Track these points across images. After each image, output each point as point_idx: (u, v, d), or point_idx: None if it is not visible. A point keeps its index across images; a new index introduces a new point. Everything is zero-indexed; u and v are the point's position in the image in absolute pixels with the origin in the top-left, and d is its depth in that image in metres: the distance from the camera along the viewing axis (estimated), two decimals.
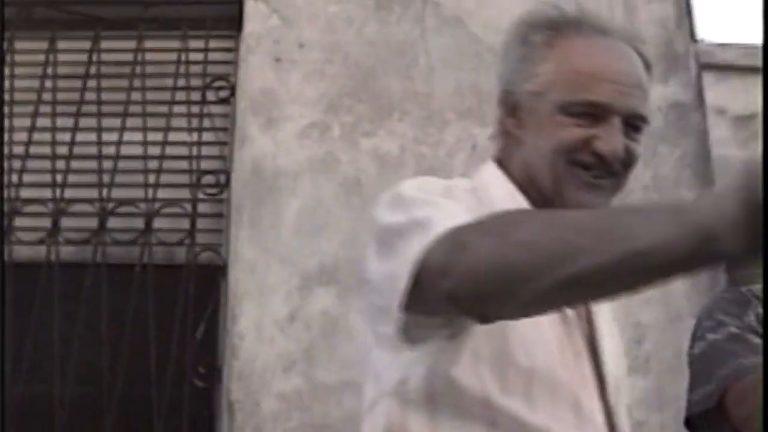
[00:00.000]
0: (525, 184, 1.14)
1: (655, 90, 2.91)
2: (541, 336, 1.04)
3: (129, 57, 3.01)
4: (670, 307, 2.72)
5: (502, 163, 1.18)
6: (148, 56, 3.02)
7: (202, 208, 2.91)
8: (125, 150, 2.95)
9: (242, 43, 3.01)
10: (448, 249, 0.90)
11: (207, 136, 2.98)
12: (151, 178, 2.93)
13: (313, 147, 2.89)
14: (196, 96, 2.99)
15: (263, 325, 2.72)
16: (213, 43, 3.04)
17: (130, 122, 2.98)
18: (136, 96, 2.99)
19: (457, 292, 0.89)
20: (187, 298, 2.77)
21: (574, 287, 0.82)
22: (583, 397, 1.05)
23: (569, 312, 1.09)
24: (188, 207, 2.89)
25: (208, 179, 2.94)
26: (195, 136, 2.96)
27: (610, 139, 1.09)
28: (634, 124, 1.11)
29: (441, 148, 2.90)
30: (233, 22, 3.07)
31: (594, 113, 1.09)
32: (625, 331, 2.60)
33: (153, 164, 2.95)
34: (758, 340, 1.53)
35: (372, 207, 2.49)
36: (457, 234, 0.92)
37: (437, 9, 3.09)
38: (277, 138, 2.92)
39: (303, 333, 2.69)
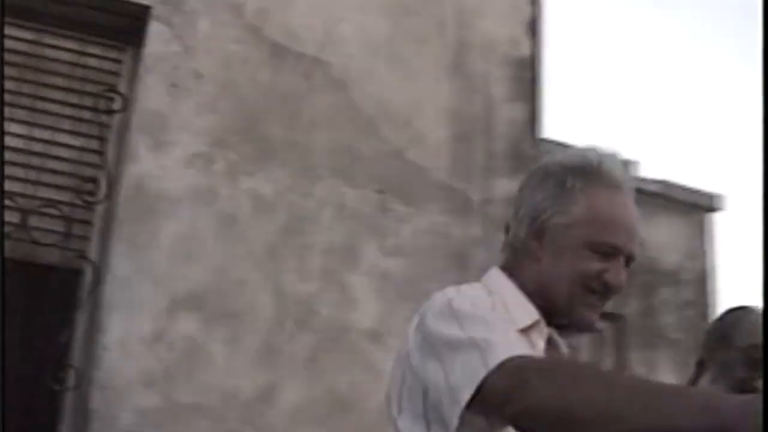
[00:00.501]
0: (534, 295, 1.54)
1: (501, 184, 3.89)
2: None
3: (26, 47, 3.34)
4: None
5: (510, 271, 1.59)
6: (46, 52, 3.36)
7: (78, 213, 3.37)
8: (9, 141, 3.31)
9: (141, 62, 3.40)
10: (511, 382, 1.24)
11: (92, 144, 3.42)
12: (32, 175, 3.33)
13: (196, 176, 3.42)
14: (87, 101, 3.40)
15: (129, 341, 3.26)
16: (111, 53, 3.42)
17: (18, 114, 3.33)
18: (27, 88, 3.34)
19: (519, 419, 1.26)
20: (53, 301, 3.26)
21: None
22: None
23: None
24: (65, 210, 3.35)
25: (89, 187, 3.39)
26: (81, 141, 3.39)
27: (617, 274, 1.52)
28: (628, 261, 1.58)
29: (311, 200, 3.59)
30: (134, 37, 3.47)
31: (608, 252, 1.52)
32: None
33: (36, 161, 3.35)
34: None
35: (244, 243, 3.18)
36: (521, 369, 1.25)
37: (326, 68, 3.73)
38: (164, 161, 3.41)
39: (166, 353, 3.28)
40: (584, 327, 1.56)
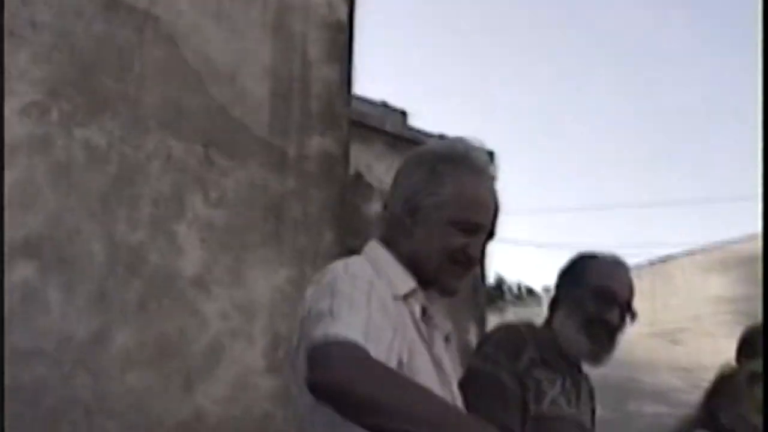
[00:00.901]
0: (408, 265, 1.94)
1: (315, 140, 4.54)
2: (431, 377, 1.90)
3: None
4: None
5: (388, 244, 1.98)
6: None
7: None
8: None
9: None
10: (323, 356, 1.61)
11: None
12: None
13: (32, 126, 3.74)
14: None
15: None
16: None
17: None
18: None
19: (319, 385, 1.61)
20: None
21: None
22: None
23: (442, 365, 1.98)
24: None
25: None
26: None
27: (477, 248, 1.94)
28: (489, 237, 1.99)
29: (141, 152, 4.04)
30: None
31: (471, 229, 1.93)
32: (264, 340, 4.18)
33: None
34: (517, 391, 2.32)
35: (77, 192, 3.66)
36: (340, 350, 1.61)
37: (157, 23, 4.15)
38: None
39: (4, 298, 3.67)
40: (449, 292, 1.99)
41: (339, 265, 1.88)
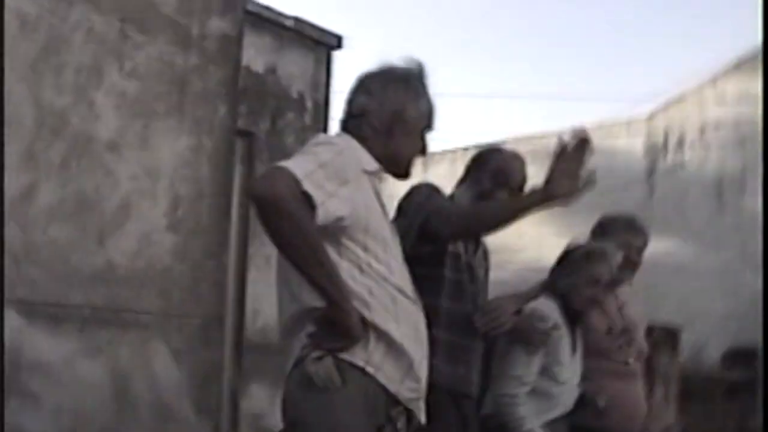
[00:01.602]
0: (381, 158, 2.53)
1: (214, 21, 4.95)
2: (386, 232, 2.55)
3: None
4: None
5: (362, 140, 2.53)
6: None
7: None
8: None
9: None
10: (284, 184, 2.20)
11: None
12: None
13: None
14: None
15: None
16: None
17: None
18: None
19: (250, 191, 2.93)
20: None
21: None
22: (403, 264, 2.55)
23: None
24: None
25: None
26: None
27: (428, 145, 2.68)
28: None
29: (66, 23, 4.24)
30: None
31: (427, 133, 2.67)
32: (166, 201, 4.63)
33: None
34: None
35: (10, 58, 4.03)
36: (279, 174, 2.22)
37: None
38: None
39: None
40: (407, 178, 2.74)
41: (331, 134, 2.63)
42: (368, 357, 2.38)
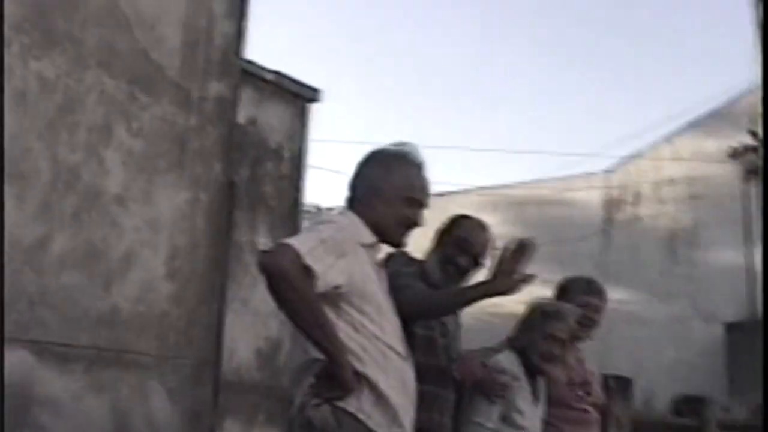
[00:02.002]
0: (372, 229, 2.92)
1: (213, 86, 5.39)
2: (380, 299, 2.97)
3: None
4: None
5: (360, 214, 2.93)
6: None
7: None
8: None
9: None
10: (289, 258, 2.60)
11: None
12: None
13: None
14: None
15: None
16: None
17: None
18: None
19: (258, 265, 2.78)
20: None
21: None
22: (396, 325, 3.05)
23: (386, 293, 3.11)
24: None
25: None
26: None
27: (422, 218, 2.99)
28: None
29: (81, 85, 4.70)
30: None
31: (417, 204, 2.98)
32: (165, 251, 5.02)
33: None
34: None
35: (30, 117, 4.46)
36: (285, 250, 2.61)
37: None
38: None
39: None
40: (399, 246, 3.14)
41: (334, 213, 3.03)
42: (360, 405, 2.78)
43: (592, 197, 12.39)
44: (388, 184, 3.02)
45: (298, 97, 8.56)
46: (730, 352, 10.36)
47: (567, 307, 4.42)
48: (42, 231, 4.51)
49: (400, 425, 2.90)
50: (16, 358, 4.26)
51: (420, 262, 3.80)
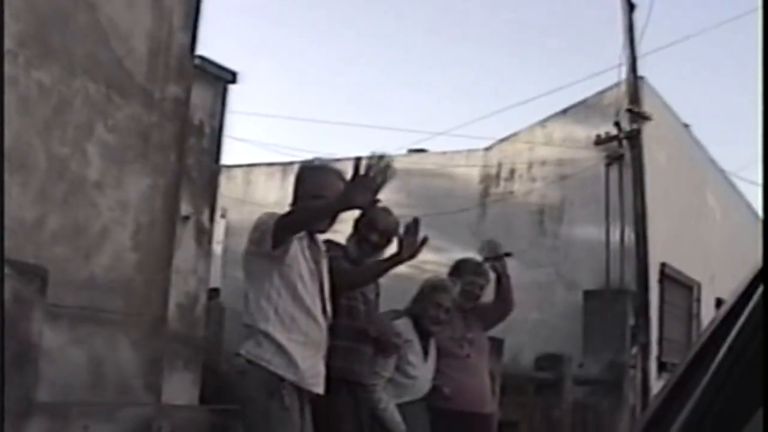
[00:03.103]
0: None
1: (170, 88, 6.50)
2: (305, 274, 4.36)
3: None
4: None
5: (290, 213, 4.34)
6: None
7: None
8: None
9: None
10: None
11: None
12: None
13: (7, 67, 5.39)
14: None
15: None
16: None
17: None
18: None
19: None
20: None
21: None
22: (316, 296, 4.41)
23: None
24: None
25: None
26: None
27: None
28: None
29: (71, 90, 5.79)
30: None
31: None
32: (131, 228, 6.16)
33: None
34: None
35: (31, 118, 5.58)
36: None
37: None
38: None
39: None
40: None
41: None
42: (262, 355, 4.12)
43: (471, 172, 13.83)
44: (300, 188, 4.46)
45: (218, 79, 9.64)
46: (586, 316, 11.97)
47: (450, 281, 5.81)
48: (39, 212, 5.59)
49: (297, 367, 4.17)
50: None
51: (343, 246, 5.12)
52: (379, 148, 3.99)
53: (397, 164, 12.33)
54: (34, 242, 5.51)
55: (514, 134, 13.56)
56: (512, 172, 13.51)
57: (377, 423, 5.32)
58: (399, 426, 5.39)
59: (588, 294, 12.22)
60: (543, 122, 13.26)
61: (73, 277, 5.76)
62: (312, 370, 4.27)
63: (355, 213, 5.27)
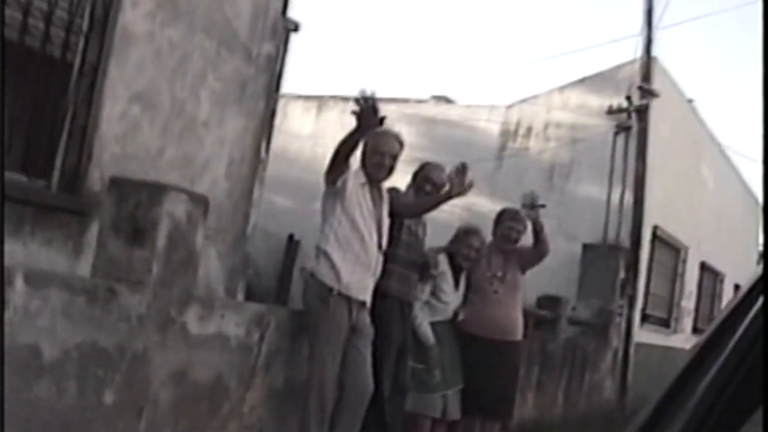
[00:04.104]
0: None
1: (265, 46, 7.77)
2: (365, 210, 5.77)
3: None
4: None
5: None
6: None
7: None
8: None
9: None
10: None
11: None
12: None
13: None
14: None
15: None
16: None
17: None
18: None
19: None
20: None
21: None
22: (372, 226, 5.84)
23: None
24: None
25: None
26: None
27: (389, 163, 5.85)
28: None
29: (190, 46, 7.02)
30: None
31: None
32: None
33: None
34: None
35: None
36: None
37: None
38: None
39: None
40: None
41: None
42: (319, 269, 5.53)
43: (492, 127, 15.10)
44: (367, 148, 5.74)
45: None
46: (583, 266, 13.32)
47: (477, 227, 7.15)
48: (161, 144, 6.88)
49: (344, 280, 5.54)
50: None
51: (405, 193, 6.47)
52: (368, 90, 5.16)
53: (425, 112, 13.93)
54: (156, 168, 6.82)
55: (534, 96, 14.79)
56: (529, 130, 14.76)
57: (413, 335, 6.70)
58: (429, 340, 6.76)
59: (586, 247, 13.56)
60: (561, 88, 14.49)
61: None
62: (359, 284, 5.61)
63: (414, 167, 6.58)
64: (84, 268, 5.77)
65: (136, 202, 4.61)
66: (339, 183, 5.48)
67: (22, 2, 5.70)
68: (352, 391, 5.54)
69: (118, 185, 4.75)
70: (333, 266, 5.47)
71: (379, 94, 5.22)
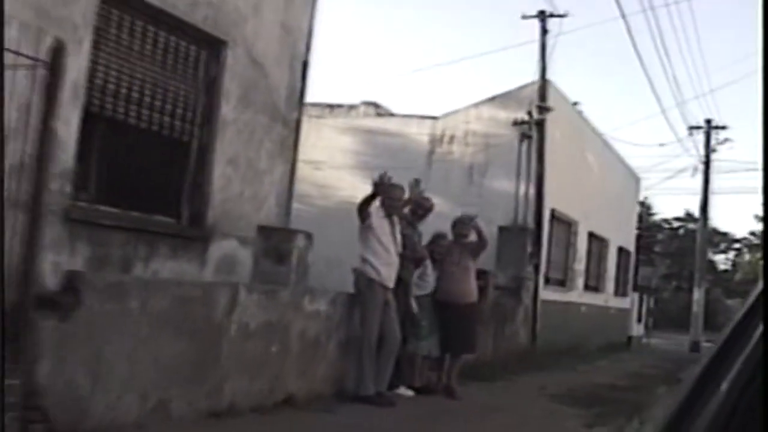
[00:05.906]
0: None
1: (290, 113, 11.39)
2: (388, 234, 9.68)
3: None
4: None
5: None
6: None
7: None
8: None
9: None
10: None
11: None
12: None
13: None
14: None
15: None
16: None
17: None
18: None
19: None
20: None
21: None
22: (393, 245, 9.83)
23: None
24: None
25: None
26: None
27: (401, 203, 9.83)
28: None
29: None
30: None
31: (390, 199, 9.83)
32: None
33: None
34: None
35: None
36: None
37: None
38: None
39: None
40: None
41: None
42: (368, 270, 9.37)
43: (423, 135, 18.94)
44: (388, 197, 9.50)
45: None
46: (500, 244, 17.20)
47: (444, 233, 11.07)
48: (242, 188, 10.46)
49: (380, 275, 9.43)
50: None
51: (406, 215, 10.32)
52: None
53: (367, 124, 18.25)
54: (240, 203, 10.42)
55: (455, 111, 18.67)
56: (452, 138, 18.58)
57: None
58: (414, 309, 10.65)
59: (501, 228, 17.51)
60: (477, 104, 18.38)
61: (250, 221, 10.71)
62: (388, 276, 9.40)
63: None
64: (207, 275, 9.41)
65: (279, 239, 8.30)
66: (368, 221, 9.22)
67: (156, 105, 9.24)
68: (387, 341, 9.35)
69: (263, 229, 8.43)
70: (373, 267, 9.23)
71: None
